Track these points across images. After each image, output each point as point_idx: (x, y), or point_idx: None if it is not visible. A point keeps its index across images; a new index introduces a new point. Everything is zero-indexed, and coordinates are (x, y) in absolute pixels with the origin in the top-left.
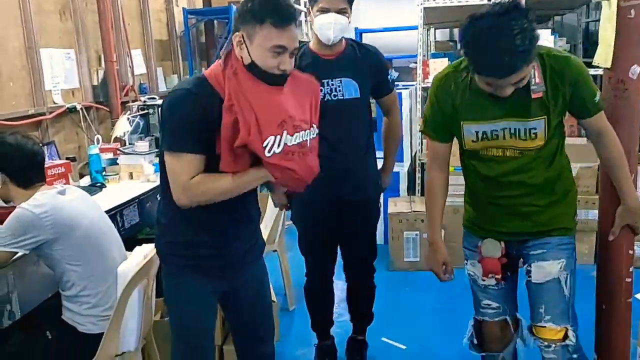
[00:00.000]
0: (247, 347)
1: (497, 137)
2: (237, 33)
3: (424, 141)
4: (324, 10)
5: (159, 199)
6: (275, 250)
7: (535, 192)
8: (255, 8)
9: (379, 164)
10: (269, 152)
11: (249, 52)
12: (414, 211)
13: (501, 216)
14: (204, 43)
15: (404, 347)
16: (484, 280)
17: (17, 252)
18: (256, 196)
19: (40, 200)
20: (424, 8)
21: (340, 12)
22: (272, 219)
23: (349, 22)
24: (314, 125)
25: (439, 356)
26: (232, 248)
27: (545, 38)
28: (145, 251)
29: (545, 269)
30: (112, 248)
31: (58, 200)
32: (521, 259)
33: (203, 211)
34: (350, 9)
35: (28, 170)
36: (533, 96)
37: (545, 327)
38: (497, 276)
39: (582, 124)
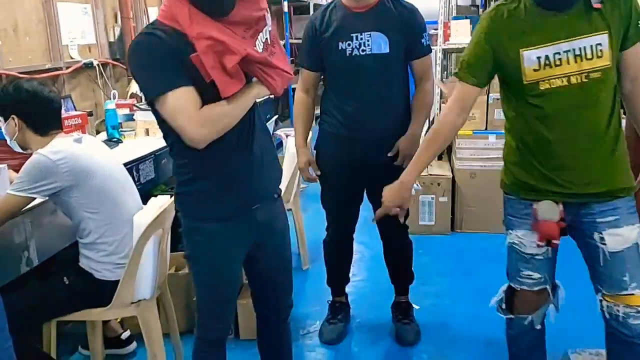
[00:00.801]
0: (268, 298)
1: (560, 63)
2: None
3: (443, 105)
4: None
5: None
6: (290, 209)
7: (599, 137)
8: None
9: None
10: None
11: None
12: (430, 174)
13: (561, 170)
14: None
15: (417, 307)
16: (535, 247)
17: (34, 198)
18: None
19: (57, 147)
20: None
21: None
22: (287, 178)
23: None
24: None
25: (454, 315)
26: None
27: None
28: (161, 202)
29: (623, 236)
30: (129, 198)
31: (75, 147)
32: (578, 227)
33: (215, 153)
34: None
35: (45, 117)
36: (594, 5)
37: (633, 294)
38: (555, 241)
39: (620, 63)
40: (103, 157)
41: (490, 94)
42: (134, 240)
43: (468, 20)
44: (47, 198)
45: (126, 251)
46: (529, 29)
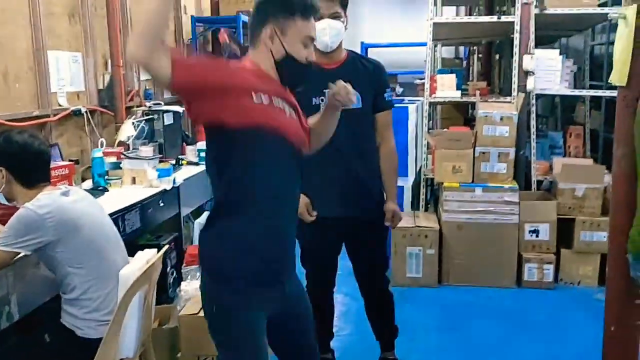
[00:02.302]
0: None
1: None
2: (266, 27)
3: (429, 157)
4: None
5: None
6: None
7: None
8: (286, 2)
9: None
10: (257, 100)
11: (282, 45)
12: (418, 226)
13: None
14: (210, 51)
15: None
16: None
17: (19, 253)
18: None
19: (44, 201)
20: (433, 23)
21: (334, 16)
22: None
23: (345, 27)
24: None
25: None
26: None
27: (554, 58)
28: (148, 256)
29: None
30: (115, 252)
31: (62, 201)
32: None
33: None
34: (345, 13)
35: (33, 170)
36: None
37: None
38: None
39: None
40: (90, 210)
41: (477, 147)
42: (120, 295)
43: (453, 75)
44: (30, 253)
45: (110, 307)
46: None
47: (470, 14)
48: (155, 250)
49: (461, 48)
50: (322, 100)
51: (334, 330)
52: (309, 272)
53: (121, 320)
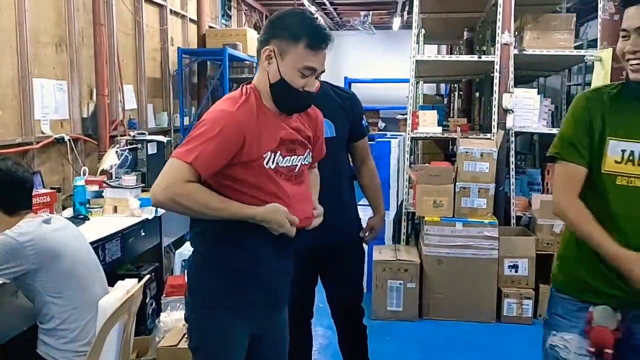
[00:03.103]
0: None
1: None
2: (268, 47)
3: (411, 191)
4: None
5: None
6: None
7: None
8: (293, 25)
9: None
10: (266, 164)
11: (278, 68)
12: (399, 260)
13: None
14: (195, 83)
15: None
16: (581, 355)
17: None
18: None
19: (25, 229)
20: (416, 61)
21: None
22: None
23: None
24: (310, 153)
25: None
26: (271, 279)
27: (532, 97)
28: (128, 286)
29: None
30: (95, 282)
31: (43, 229)
32: (630, 339)
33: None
34: None
35: (16, 198)
36: None
37: None
38: (608, 351)
39: None
40: (72, 239)
41: (457, 182)
42: (98, 326)
43: (435, 111)
44: (9, 281)
45: (88, 338)
46: (621, 119)
47: (451, 53)
48: (136, 280)
49: (442, 85)
50: None
51: None
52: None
53: (99, 351)
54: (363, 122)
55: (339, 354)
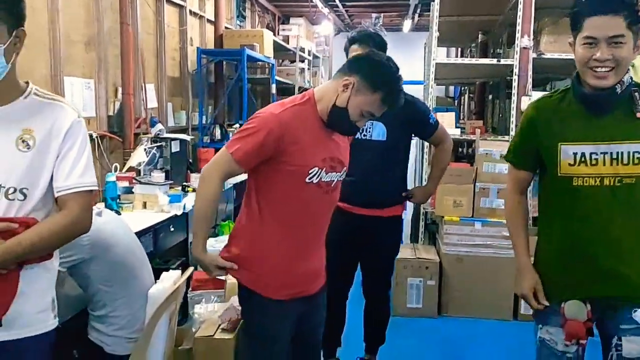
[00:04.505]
0: None
1: (597, 163)
2: (350, 78)
3: None
4: None
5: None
6: None
7: (631, 240)
8: (380, 76)
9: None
10: (309, 179)
11: (348, 99)
12: (419, 258)
13: (590, 271)
14: (212, 83)
15: None
16: (566, 346)
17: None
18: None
19: None
20: (436, 64)
21: None
22: None
23: None
24: (346, 168)
25: None
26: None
27: None
28: (174, 277)
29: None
30: (144, 271)
31: (96, 221)
32: (601, 327)
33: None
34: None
35: None
36: (638, 115)
37: None
38: (582, 341)
39: None
40: (121, 231)
41: (477, 183)
42: (148, 314)
43: (453, 113)
44: (65, 270)
45: (138, 325)
46: (570, 124)
47: (462, 55)
48: (179, 272)
49: (451, 87)
50: None
51: None
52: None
53: (149, 338)
54: (430, 120)
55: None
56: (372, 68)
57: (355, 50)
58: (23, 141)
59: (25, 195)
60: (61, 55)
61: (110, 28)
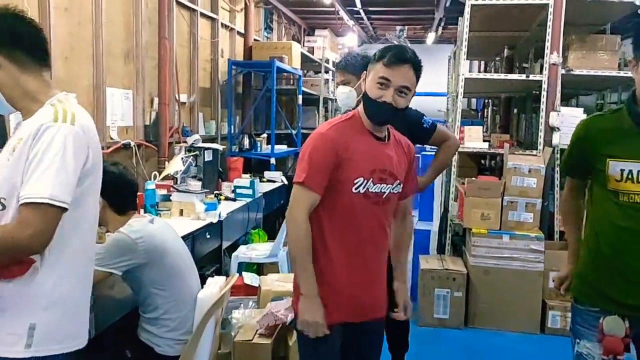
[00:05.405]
0: None
1: None
2: (364, 72)
3: (454, 203)
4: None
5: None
6: None
7: None
8: (377, 54)
9: None
10: (355, 189)
11: (365, 85)
12: (447, 269)
13: (630, 285)
14: (240, 93)
15: None
16: None
17: (112, 273)
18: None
19: (136, 227)
20: (465, 78)
21: (343, 83)
22: None
23: (352, 90)
24: (400, 182)
25: None
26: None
27: (578, 115)
28: (220, 282)
29: None
30: (192, 276)
31: (150, 228)
32: (638, 343)
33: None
34: (358, 77)
35: (126, 198)
36: None
37: None
38: (619, 357)
39: None
40: (172, 237)
41: (505, 197)
42: (197, 317)
43: (480, 127)
44: (121, 273)
45: (187, 328)
46: (620, 141)
47: (485, 69)
48: (224, 278)
49: (473, 100)
50: None
51: None
52: None
53: (198, 340)
54: (425, 125)
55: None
56: (373, 57)
57: (341, 74)
58: (13, 150)
59: (3, 205)
60: (103, 67)
61: (147, 41)
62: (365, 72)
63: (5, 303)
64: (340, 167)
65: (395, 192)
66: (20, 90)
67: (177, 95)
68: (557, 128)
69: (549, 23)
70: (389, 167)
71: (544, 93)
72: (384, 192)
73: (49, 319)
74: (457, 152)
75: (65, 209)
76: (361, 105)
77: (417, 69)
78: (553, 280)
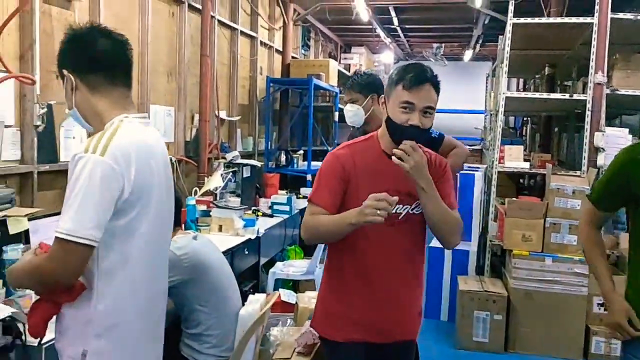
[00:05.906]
0: None
1: None
2: (382, 96)
3: (493, 223)
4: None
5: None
6: None
7: None
8: (394, 76)
9: None
10: None
11: (387, 110)
12: (486, 291)
13: None
14: (277, 110)
15: None
16: None
17: None
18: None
19: (181, 244)
20: (505, 97)
21: (351, 101)
22: None
23: (370, 108)
24: (417, 202)
25: None
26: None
27: (623, 135)
28: (261, 300)
29: None
30: (234, 293)
31: (194, 244)
32: None
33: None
34: (365, 95)
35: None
36: None
37: None
38: None
39: None
40: (215, 254)
41: (547, 218)
42: (239, 334)
43: (521, 146)
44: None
45: (228, 344)
46: None
47: (524, 87)
48: (264, 295)
49: (511, 118)
50: None
51: None
52: None
53: (239, 358)
54: (432, 135)
55: None
56: (388, 80)
57: (348, 93)
58: None
59: None
60: (148, 85)
61: (190, 59)
62: (373, 93)
63: (66, 326)
64: (350, 187)
65: (415, 212)
66: (92, 110)
67: (216, 112)
68: (602, 149)
69: (594, 42)
70: (405, 187)
71: (588, 113)
72: (400, 213)
73: (100, 347)
74: (467, 160)
75: (86, 244)
76: (382, 127)
77: (437, 85)
78: (599, 308)
